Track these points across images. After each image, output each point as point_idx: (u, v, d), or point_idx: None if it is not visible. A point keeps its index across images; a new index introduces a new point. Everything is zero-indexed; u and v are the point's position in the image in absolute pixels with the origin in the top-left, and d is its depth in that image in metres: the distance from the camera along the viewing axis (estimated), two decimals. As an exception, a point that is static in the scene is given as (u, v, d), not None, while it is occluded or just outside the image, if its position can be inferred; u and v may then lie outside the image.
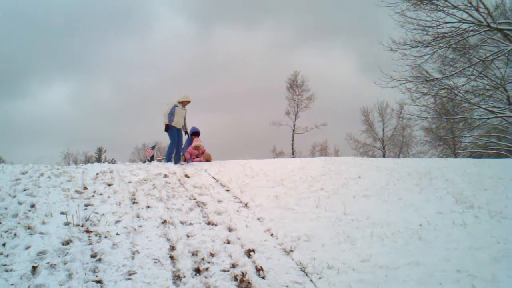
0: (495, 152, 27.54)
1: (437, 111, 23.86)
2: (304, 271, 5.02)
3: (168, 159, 12.38)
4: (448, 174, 9.53)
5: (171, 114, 12.20)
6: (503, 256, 5.32)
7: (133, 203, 7.24)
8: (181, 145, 12.84)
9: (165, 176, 9.29)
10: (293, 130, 45.54)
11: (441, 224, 6.50)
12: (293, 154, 44.56)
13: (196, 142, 13.05)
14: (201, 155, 13.17)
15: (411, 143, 42.79)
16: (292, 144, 45.76)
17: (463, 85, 21.33)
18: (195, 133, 13.51)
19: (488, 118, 23.09)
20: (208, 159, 13.08)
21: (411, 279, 4.76)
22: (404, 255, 5.39)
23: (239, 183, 8.82)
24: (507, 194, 8.00)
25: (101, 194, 7.65)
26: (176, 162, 12.13)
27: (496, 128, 27.58)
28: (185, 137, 13.10)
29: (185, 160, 13.00)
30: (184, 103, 12.60)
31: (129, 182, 8.58)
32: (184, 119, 12.69)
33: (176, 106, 12.32)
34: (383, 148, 45.49)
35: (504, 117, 23.18)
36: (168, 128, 12.18)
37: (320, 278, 4.84)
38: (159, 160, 14.59)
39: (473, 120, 24.08)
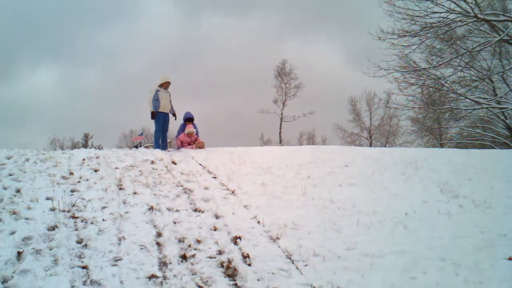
0: (480, 142, 27.87)
1: (424, 101, 24.01)
2: (290, 259, 5.05)
3: (156, 146, 12.24)
4: (434, 164, 9.62)
5: (156, 100, 11.97)
6: (486, 245, 5.41)
7: (120, 189, 7.21)
8: (167, 131, 12.64)
9: (152, 162, 9.26)
10: (281, 119, 45.79)
11: (426, 213, 6.58)
12: (280, 142, 44.75)
13: (188, 129, 12.43)
14: (193, 143, 12.56)
15: (397, 133, 43.05)
16: (280, 132, 46.00)
17: (450, 76, 21.46)
18: (189, 119, 12.72)
19: (474, 109, 23.29)
20: (201, 147, 12.38)
21: (396, 267, 4.81)
22: (389, 244, 5.45)
23: (226, 170, 8.81)
24: (491, 184, 8.10)
25: (87, 180, 7.60)
26: (163, 149, 12.02)
27: (481, 119, 27.87)
28: (173, 121, 12.74)
29: (178, 148, 12.59)
30: (164, 85, 12.28)
31: (116, 168, 8.53)
32: (170, 102, 12.41)
33: (158, 90, 12.06)
34: (370, 137, 45.79)
35: (490, 108, 23.41)
36: (155, 115, 12.04)
37: (306, 265, 4.87)
38: (146, 147, 14.50)
39: (459, 111, 24.28)
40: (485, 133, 28.61)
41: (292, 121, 46.00)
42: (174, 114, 12.58)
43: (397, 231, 5.90)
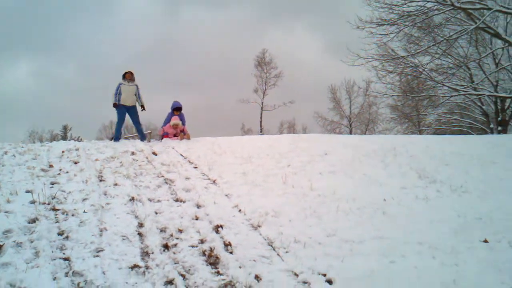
0: (458, 129, 28.29)
1: (402, 89, 24.22)
2: (271, 246, 5.11)
3: (116, 138, 12.12)
4: (412, 150, 9.75)
5: (118, 93, 11.96)
6: (462, 229, 5.55)
7: (100, 180, 7.19)
8: (138, 123, 12.58)
9: (133, 153, 9.23)
10: (261, 108, 45.90)
11: (405, 198, 6.70)
12: (261, 131, 44.84)
13: (173, 120, 11.91)
14: (180, 134, 11.90)
15: (377, 120, 43.49)
16: (261, 122, 46.11)
17: (427, 63, 21.67)
18: (177, 109, 12.30)
19: (452, 96, 23.59)
20: (187, 139, 11.82)
21: (375, 252, 4.91)
22: (368, 229, 5.55)
23: (207, 160, 8.83)
24: (467, 169, 8.27)
25: (67, 172, 7.56)
26: (116, 140, 11.92)
27: (459, 106, 28.28)
28: (141, 113, 12.59)
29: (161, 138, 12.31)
30: (127, 77, 12.18)
31: (96, 160, 8.50)
32: (136, 95, 12.26)
33: (121, 83, 12.02)
34: (350, 125, 46.15)
35: (467, 95, 23.73)
36: (116, 106, 12.00)
37: (287, 252, 4.94)
38: (126, 138, 14.39)
39: (437, 98, 24.57)
40: (462, 120, 29.06)
41: (272, 110, 46.26)
42: (142, 106, 12.40)
43: (376, 217, 6.00)
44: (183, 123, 12.26)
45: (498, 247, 5.04)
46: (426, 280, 4.31)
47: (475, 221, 5.81)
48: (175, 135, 12.01)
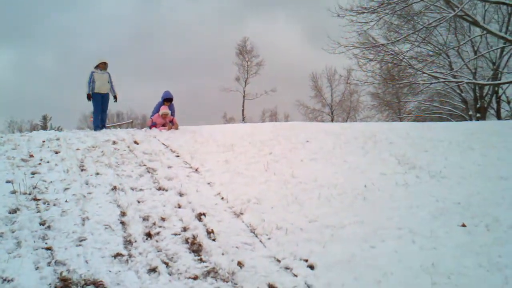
0: (438, 116, 28.68)
1: (382, 76, 24.42)
2: (253, 233, 5.16)
3: (96, 127, 12.08)
4: (392, 137, 9.88)
5: (92, 81, 11.96)
6: (441, 214, 5.66)
7: (82, 170, 7.14)
8: (105, 111, 12.57)
9: (114, 142, 9.18)
10: (243, 96, 45.87)
11: (385, 184, 6.80)
12: (243, 120, 44.81)
13: (163, 109, 11.57)
14: (168, 124, 11.51)
15: (358, 108, 43.81)
16: (243, 110, 46.09)
17: (407, 51, 21.86)
18: (168, 99, 12.04)
19: (431, 83, 23.87)
20: (176, 128, 11.59)
21: (356, 237, 4.99)
22: (349, 215, 5.63)
23: (189, 149, 8.83)
24: (446, 155, 8.41)
25: (48, 161, 7.49)
26: (96, 129, 11.90)
27: (438, 93, 28.64)
28: (112, 102, 12.64)
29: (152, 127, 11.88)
30: (101, 66, 12.21)
31: (77, 149, 8.43)
32: (109, 82, 12.31)
33: (93, 72, 12.03)
34: (332, 113, 46.44)
35: (446, 82, 24.01)
36: (90, 97, 11.98)
37: (269, 238, 5.00)
38: (108, 127, 14.27)
39: (417, 85, 24.85)
40: (442, 107, 29.46)
41: (254, 98, 46.34)
42: (115, 97, 12.49)
43: (356, 203, 6.09)
44: (173, 114, 11.99)
45: (475, 231, 5.15)
46: (405, 264, 4.40)
47: (454, 206, 5.93)
48: (163, 125, 11.60)
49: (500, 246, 4.73)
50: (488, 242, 4.85)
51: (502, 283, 4.01)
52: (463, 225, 5.30)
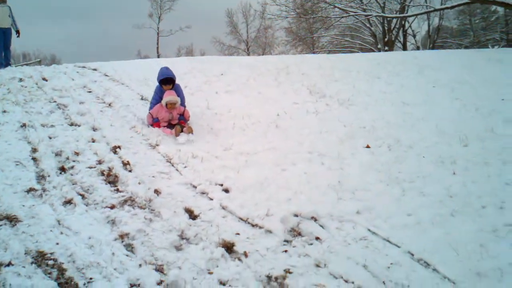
0: (349, 50, 29.50)
1: (296, 11, 24.54)
2: (170, 162, 5.24)
3: (0, 65, 11.32)
4: (304, 69, 10.13)
5: None
6: (348, 137, 6.01)
7: (-14, 109, 6.80)
8: (9, 48, 11.85)
9: (21, 80, 8.72)
10: (158, 33, 44.73)
11: (296, 113, 7.07)
12: (158, 57, 43.71)
13: (168, 96, 6.64)
14: (177, 118, 6.73)
15: (273, 44, 44.00)
16: (157, 47, 45.06)
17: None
18: (167, 81, 6.97)
19: (342, 17, 24.35)
20: (190, 131, 6.33)
21: (268, 162, 5.22)
22: (262, 142, 5.85)
23: (103, 85, 8.58)
24: (354, 84, 8.80)
25: None
26: (5, 66, 11.15)
27: (350, 28, 29.37)
28: (15, 38, 11.85)
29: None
30: None
31: (-21, 88, 7.96)
32: (10, 17, 11.52)
33: None
34: (248, 49, 46.28)
35: (356, 16, 24.58)
36: None
37: (185, 167, 5.10)
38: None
39: (329, 20, 25.21)
40: (353, 41, 30.32)
41: (169, 35, 45.45)
42: (17, 31, 11.76)
43: (269, 131, 6.31)
44: (182, 103, 6.91)
45: (378, 151, 5.53)
46: (314, 183, 4.68)
47: (359, 130, 6.30)
48: (169, 122, 6.73)
49: (400, 164, 5.13)
50: (389, 160, 5.24)
51: (399, 195, 4.39)
52: (368, 147, 5.67)
